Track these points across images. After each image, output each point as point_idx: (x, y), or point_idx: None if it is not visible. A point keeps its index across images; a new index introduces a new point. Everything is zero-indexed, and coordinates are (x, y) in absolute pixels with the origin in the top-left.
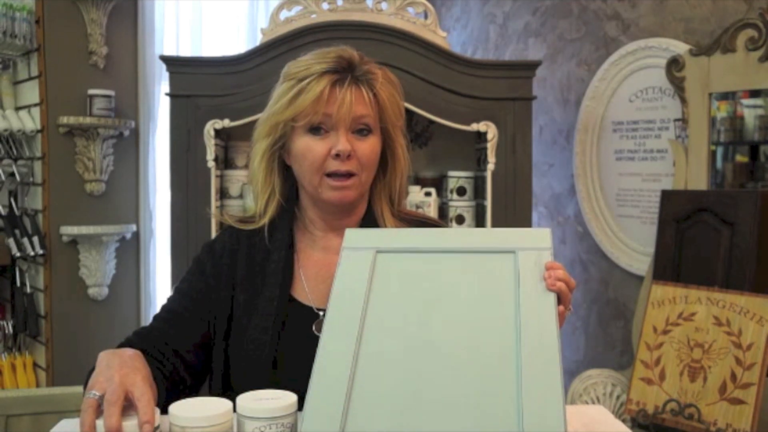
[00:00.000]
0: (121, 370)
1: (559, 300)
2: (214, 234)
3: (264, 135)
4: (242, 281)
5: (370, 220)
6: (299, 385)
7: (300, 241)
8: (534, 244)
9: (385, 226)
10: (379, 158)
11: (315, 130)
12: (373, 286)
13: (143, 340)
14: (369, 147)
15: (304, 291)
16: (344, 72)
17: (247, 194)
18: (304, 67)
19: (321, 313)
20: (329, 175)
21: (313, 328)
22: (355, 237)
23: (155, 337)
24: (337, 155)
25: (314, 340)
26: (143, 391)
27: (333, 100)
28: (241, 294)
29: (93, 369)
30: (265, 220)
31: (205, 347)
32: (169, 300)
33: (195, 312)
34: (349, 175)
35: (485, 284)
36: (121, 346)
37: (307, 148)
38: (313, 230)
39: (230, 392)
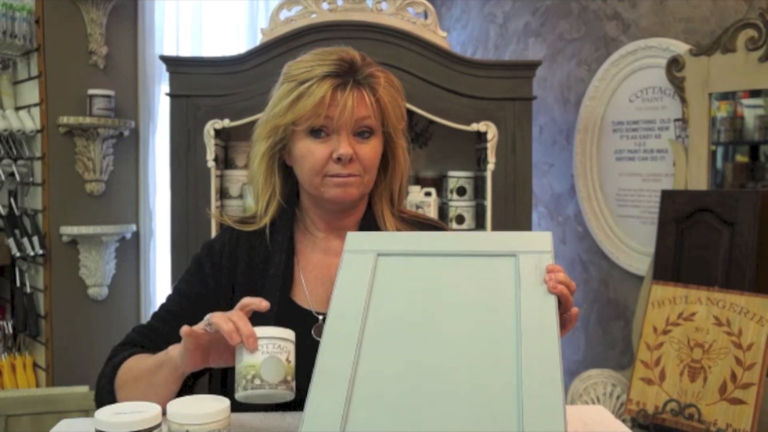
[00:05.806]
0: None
1: (560, 303)
2: (214, 234)
3: (264, 137)
4: (242, 283)
5: (370, 221)
6: (299, 389)
7: (300, 243)
8: (535, 247)
9: (385, 227)
10: (380, 159)
11: (316, 132)
12: (374, 289)
13: (145, 338)
14: (371, 149)
15: (303, 294)
16: (346, 75)
17: (247, 194)
18: (305, 69)
19: (320, 317)
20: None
21: (313, 332)
22: (356, 240)
23: (155, 336)
24: (339, 159)
25: (314, 344)
26: (240, 315)
27: (335, 103)
28: (241, 296)
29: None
30: (266, 220)
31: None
32: (168, 299)
33: (193, 313)
34: (350, 176)
35: (486, 287)
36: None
37: (308, 151)
38: (314, 231)
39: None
